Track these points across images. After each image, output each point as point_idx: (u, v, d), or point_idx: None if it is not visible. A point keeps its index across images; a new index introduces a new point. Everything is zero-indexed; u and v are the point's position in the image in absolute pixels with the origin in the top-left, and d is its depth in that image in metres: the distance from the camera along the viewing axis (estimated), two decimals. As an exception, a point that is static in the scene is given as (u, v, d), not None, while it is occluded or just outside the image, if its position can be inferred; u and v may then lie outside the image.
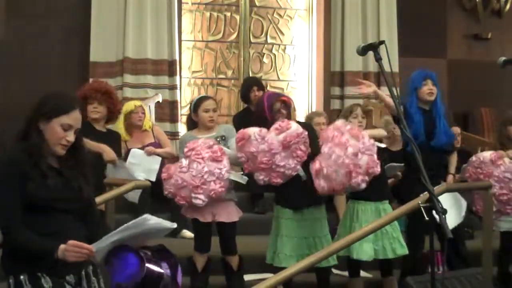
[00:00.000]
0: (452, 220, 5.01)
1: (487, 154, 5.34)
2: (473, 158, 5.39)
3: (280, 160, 4.48)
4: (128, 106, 6.36)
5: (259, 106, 4.87)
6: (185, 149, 4.61)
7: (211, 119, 4.83)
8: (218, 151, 4.59)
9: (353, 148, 4.45)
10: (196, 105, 4.87)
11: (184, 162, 4.58)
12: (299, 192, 4.65)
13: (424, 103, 5.13)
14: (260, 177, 4.58)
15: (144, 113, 6.39)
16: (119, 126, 6.17)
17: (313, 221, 4.72)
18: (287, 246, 4.63)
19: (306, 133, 4.53)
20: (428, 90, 5.13)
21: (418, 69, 5.34)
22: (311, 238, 4.66)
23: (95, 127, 5.07)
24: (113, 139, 5.16)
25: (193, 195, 4.52)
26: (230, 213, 4.77)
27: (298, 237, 4.66)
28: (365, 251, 4.71)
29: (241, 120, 6.45)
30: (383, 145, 5.11)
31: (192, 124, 4.97)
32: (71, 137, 2.87)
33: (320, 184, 4.49)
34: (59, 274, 2.82)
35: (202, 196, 4.51)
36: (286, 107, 4.77)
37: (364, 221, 4.73)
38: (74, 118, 2.88)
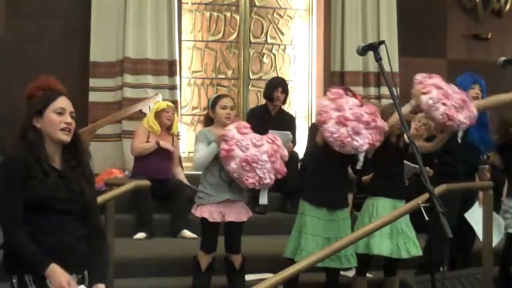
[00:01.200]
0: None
1: None
2: None
3: (360, 128, 4.50)
4: (160, 104, 6.69)
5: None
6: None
7: (228, 115, 4.82)
8: (282, 156, 4.70)
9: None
10: (214, 102, 4.88)
11: (258, 137, 4.66)
12: (331, 192, 4.67)
13: None
14: (331, 128, 4.52)
15: (174, 115, 6.72)
16: (149, 121, 6.52)
17: (337, 222, 4.73)
18: (311, 244, 4.62)
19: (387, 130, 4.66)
20: (475, 93, 5.13)
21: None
22: (334, 239, 4.64)
23: None
24: None
25: (238, 160, 4.54)
26: (240, 213, 4.79)
27: (322, 236, 4.66)
28: (386, 247, 4.74)
29: (256, 116, 6.45)
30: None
31: (209, 121, 4.98)
32: (68, 119, 2.95)
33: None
34: None
35: (235, 167, 4.55)
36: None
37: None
38: (63, 102, 2.98)
